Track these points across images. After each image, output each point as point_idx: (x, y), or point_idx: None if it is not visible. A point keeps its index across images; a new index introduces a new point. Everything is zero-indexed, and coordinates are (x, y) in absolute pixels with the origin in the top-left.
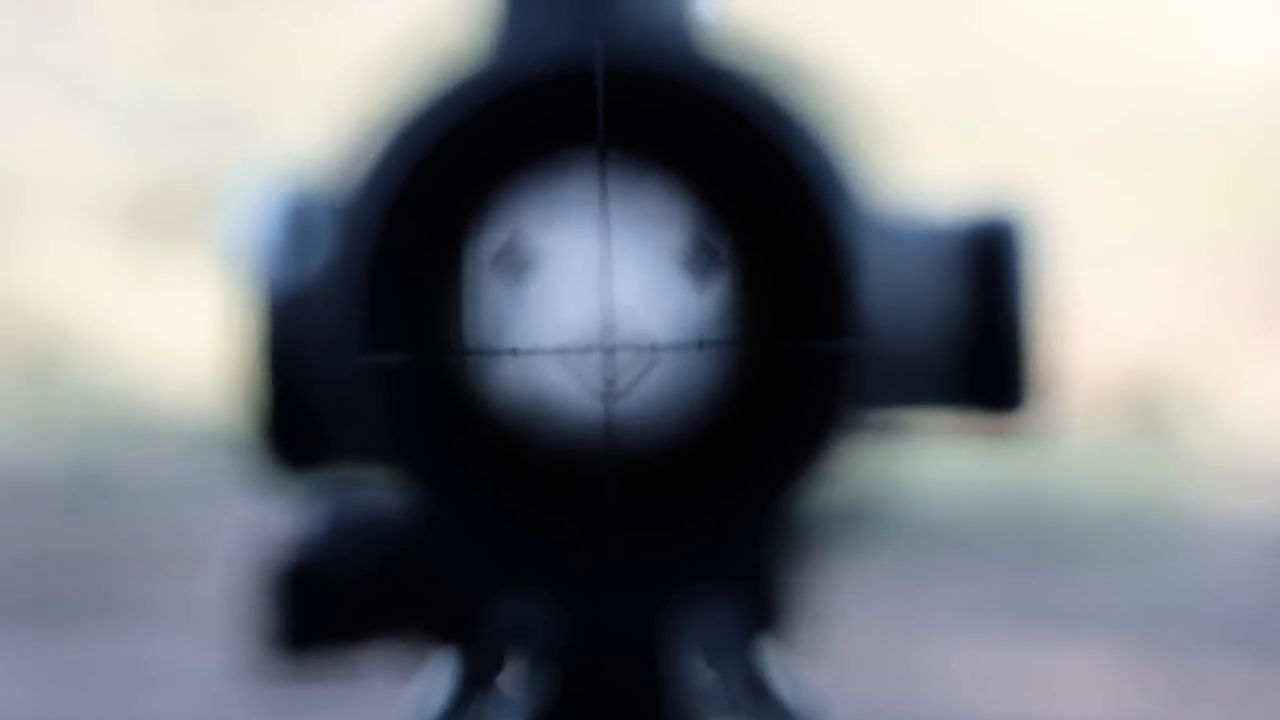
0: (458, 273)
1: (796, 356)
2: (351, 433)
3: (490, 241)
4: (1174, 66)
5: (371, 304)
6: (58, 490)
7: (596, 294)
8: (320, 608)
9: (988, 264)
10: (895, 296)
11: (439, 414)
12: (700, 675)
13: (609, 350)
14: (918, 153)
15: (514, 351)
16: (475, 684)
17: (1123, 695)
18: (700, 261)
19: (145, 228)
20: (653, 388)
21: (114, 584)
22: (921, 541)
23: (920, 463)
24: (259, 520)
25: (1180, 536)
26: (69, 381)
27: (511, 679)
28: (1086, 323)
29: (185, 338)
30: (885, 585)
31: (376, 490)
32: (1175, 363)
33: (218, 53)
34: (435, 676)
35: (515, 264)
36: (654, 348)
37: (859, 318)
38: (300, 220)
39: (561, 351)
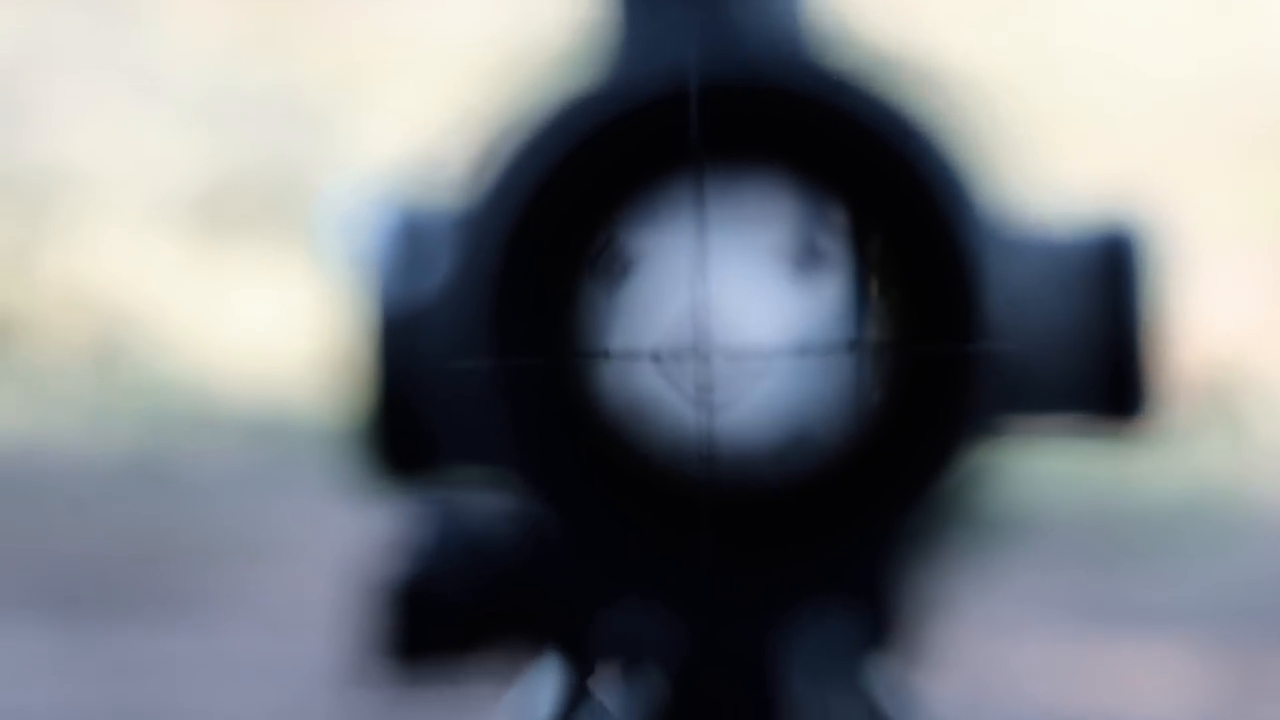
0: (571, 280)
1: (918, 361)
2: (462, 439)
3: (600, 248)
4: (1244, 53)
5: (491, 313)
6: (120, 481)
7: (695, 299)
8: (428, 619)
9: (1109, 273)
10: (1017, 304)
11: (551, 419)
12: (810, 691)
13: (704, 356)
14: (1030, 154)
15: (619, 356)
16: (579, 694)
17: (1196, 690)
18: (806, 265)
19: (214, 221)
20: (756, 394)
21: (175, 577)
22: (1011, 539)
23: (1026, 466)
24: (334, 515)
25: (1254, 529)
26: (134, 373)
27: (617, 690)
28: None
29: (252, 330)
30: (973, 584)
31: (485, 498)
32: (1248, 355)
33: (288, 46)
34: (539, 684)
35: (621, 270)
36: (753, 354)
37: (981, 323)
38: (413, 230)
39: (658, 357)
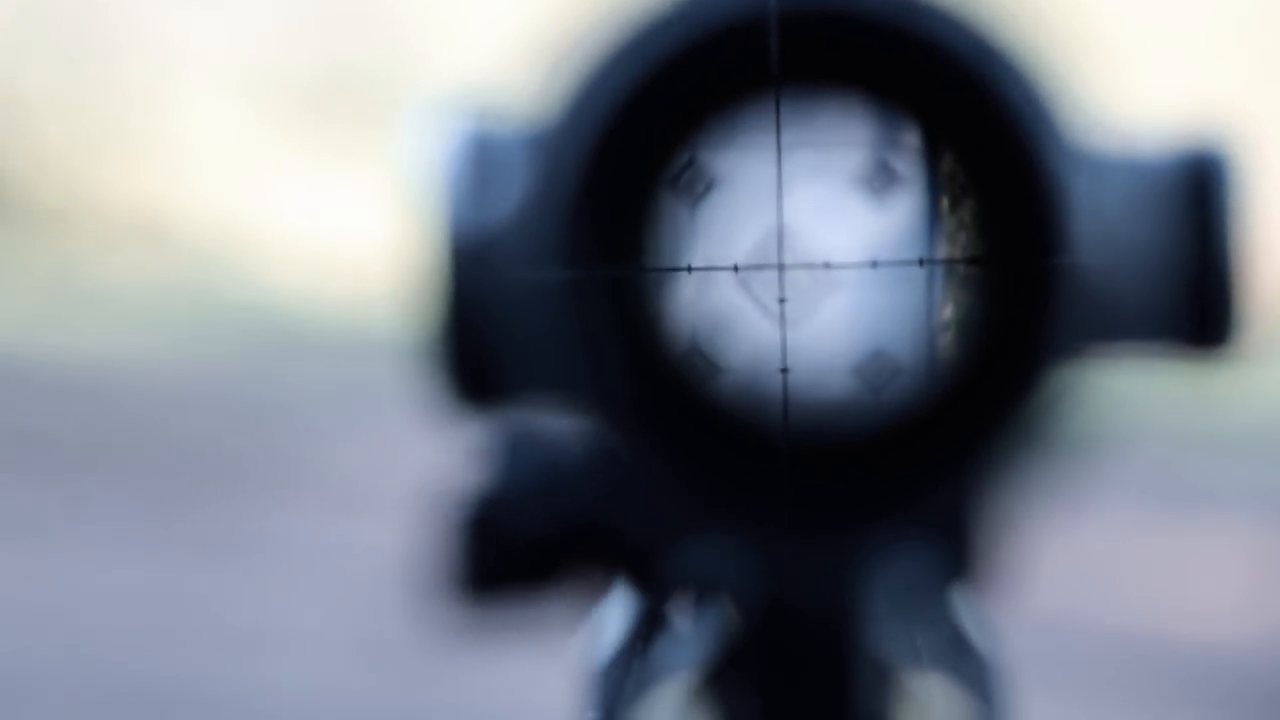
0: (647, 201)
1: (995, 279)
2: (535, 363)
3: (682, 168)
4: None
5: (565, 233)
6: (211, 396)
7: (772, 214)
8: (499, 546)
9: (1195, 195)
10: (1099, 224)
11: (625, 339)
12: (890, 624)
13: (782, 270)
14: (1113, 73)
15: (700, 270)
16: (652, 625)
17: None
18: (881, 184)
19: (308, 121)
20: (832, 310)
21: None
22: (1092, 464)
23: (1108, 390)
24: (419, 439)
25: None
26: (225, 285)
27: (690, 621)
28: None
29: (335, 245)
30: (1054, 509)
31: (558, 425)
32: None
33: None
34: (611, 615)
35: (701, 188)
36: (828, 269)
37: (1062, 243)
38: (488, 152)
39: (738, 270)
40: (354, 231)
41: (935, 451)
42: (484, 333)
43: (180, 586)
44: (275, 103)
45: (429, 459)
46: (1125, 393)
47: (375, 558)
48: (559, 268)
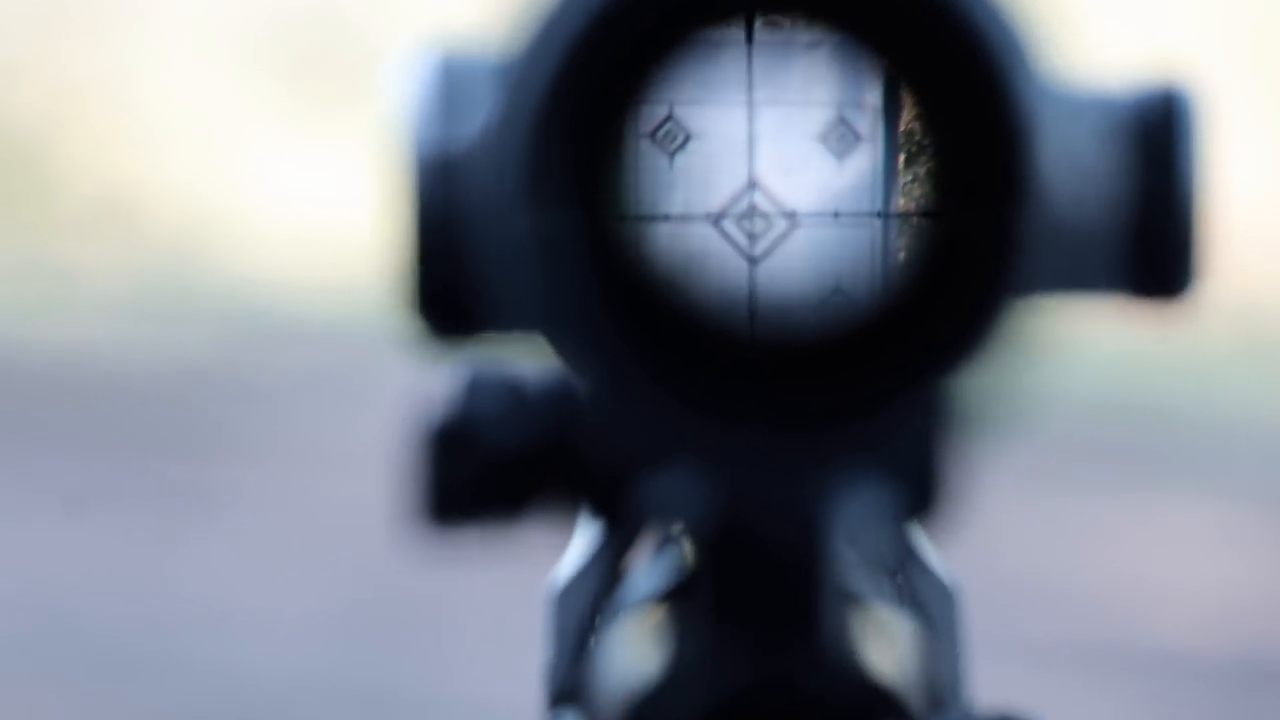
0: (616, 142)
1: (954, 229)
2: (506, 299)
3: (646, 113)
4: None
5: (533, 169)
6: (184, 379)
7: (743, 164)
8: (468, 474)
9: (1160, 138)
10: (1064, 170)
11: (595, 278)
12: (850, 556)
13: (751, 217)
14: (1084, 14)
15: (666, 217)
16: (617, 554)
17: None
18: (842, 138)
19: (286, 97)
20: (801, 258)
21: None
22: (1047, 412)
23: (1065, 339)
24: (403, 401)
25: None
26: (199, 268)
27: (654, 550)
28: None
29: (323, 222)
30: (1006, 455)
31: (528, 359)
32: None
33: None
34: (579, 546)
35: (670, 135)
36: (794, 214)
37: (1029, 190)
38: (455, 82)
39: (707, 217)
40: (332, 214)
41: (892, 388)
42: (455, 265)
43: (152, 546)
44: (253, 78)
45: (401, 429)
46: (1080, 345)
47: (347, 519)
48: (524, 203)
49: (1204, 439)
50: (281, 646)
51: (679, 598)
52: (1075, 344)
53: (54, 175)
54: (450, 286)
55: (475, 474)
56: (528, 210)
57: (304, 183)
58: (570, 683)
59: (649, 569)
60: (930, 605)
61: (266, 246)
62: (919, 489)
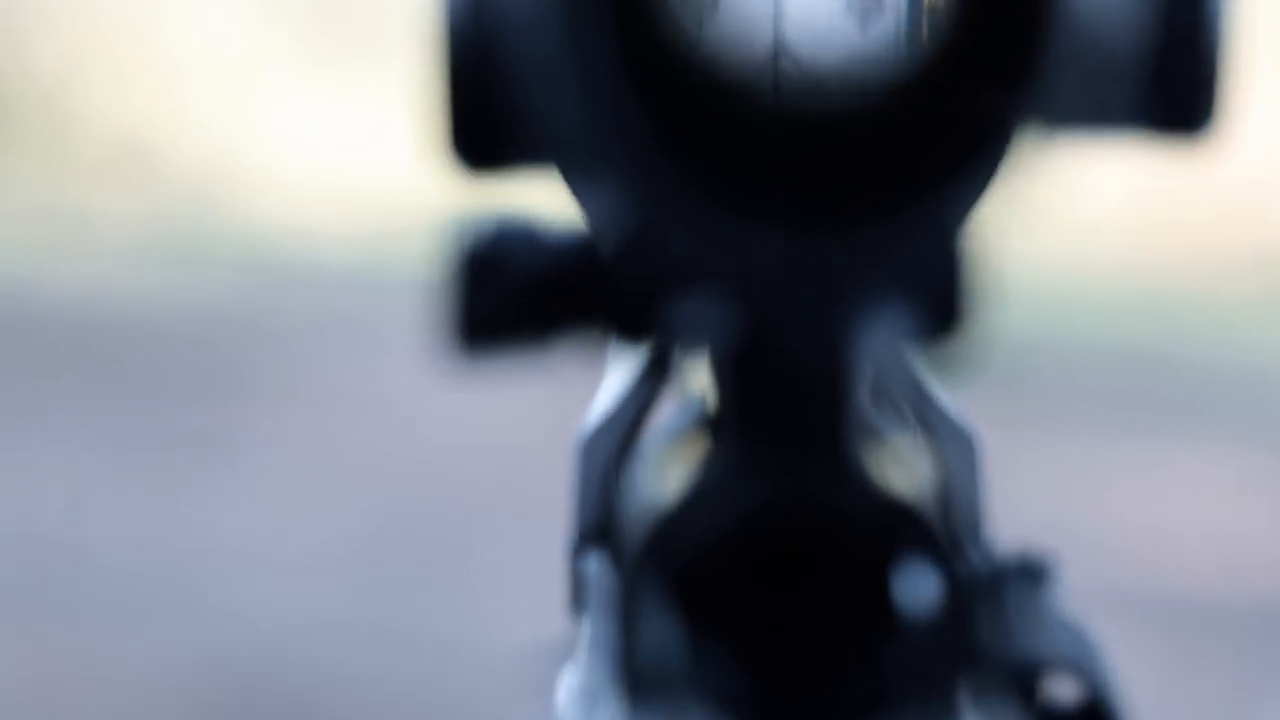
0: None
1: (979, 47)
2: (539, 118)
3: None
4: None
5: None
6: (207, 328)
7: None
8: (498, 298)
9: None
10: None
11: (617, 58)
12: (870, 380)
13: None
14: None
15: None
16: (649, 402)
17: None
18: None
19: (310, 41)
20: (821, 22)
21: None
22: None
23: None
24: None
25: None
26: (217, 213)
27: (682, 379)
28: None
29: (348, 159)
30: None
31: (553, 205)
32: None
33: None
34: (607, 393)
35: None
36: None
37: (1051, 17)
38: None
39: None
40: (352, 160)
41: (918, 212)
42: (485, 84)
43: (170, 489)
44: (276, 22)
45: (425, 384)
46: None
47: (364, 463)
48: (560, 20)
49: (1226, 388)
50: (298, 587)
51: (704, 431)
52: (1100, 291)
53: (74, 119)
54: (482, 109)
55: (505, 298)
56: (561, 25)
57: (325, 129)
58: (596, 524)
59: (676, 413)
60: (948, 450)
61: (286, 192)
62: (939, 311)
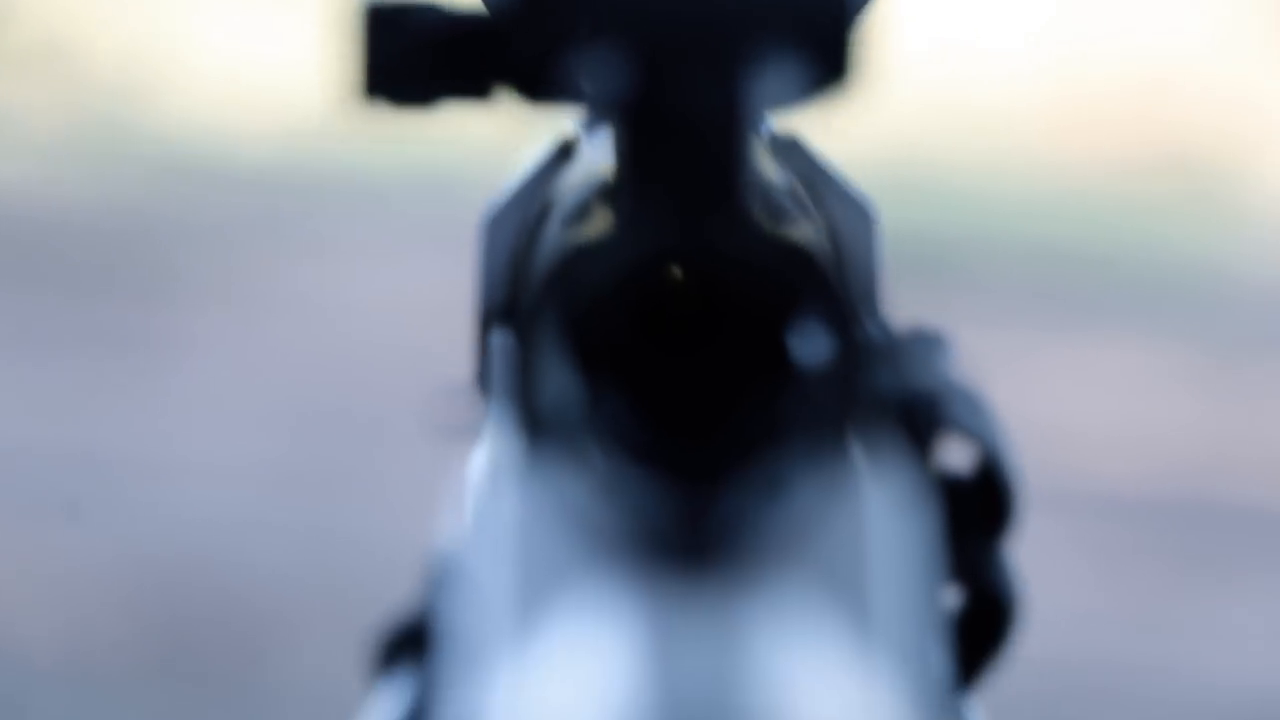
0: None
1: None
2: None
3: None
4: None
5: None
6: (127, 226)
7: None
8: (399, 50)
9: None
10: None
11: None
12: (765, 145)
13: None
14: None
15: None
16: (557, 160)
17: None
18: None
19: None
20: None
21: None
22: None
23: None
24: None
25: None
26: (136, 113)
27: (584, 135)
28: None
29: (266, 57)
30: None
31: None
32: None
33: None
34: (512, 177)
35: None
36: None
37: None
38: None
39: None
40: (270, 59)
41: None
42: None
43: (94, 389)
44: None
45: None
46: None
47: (288, 363)
48: None
49: (1141, 285)
50: (226, 490)
51: (604, 192)
52: (1013, 191)
53: None
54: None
55: (406, 50)
56: None
57: (244, 29)
58: (501, 301)
59: (580, 188)
60: (843, 218)
61: (205, 92)
62: (829, 60)
